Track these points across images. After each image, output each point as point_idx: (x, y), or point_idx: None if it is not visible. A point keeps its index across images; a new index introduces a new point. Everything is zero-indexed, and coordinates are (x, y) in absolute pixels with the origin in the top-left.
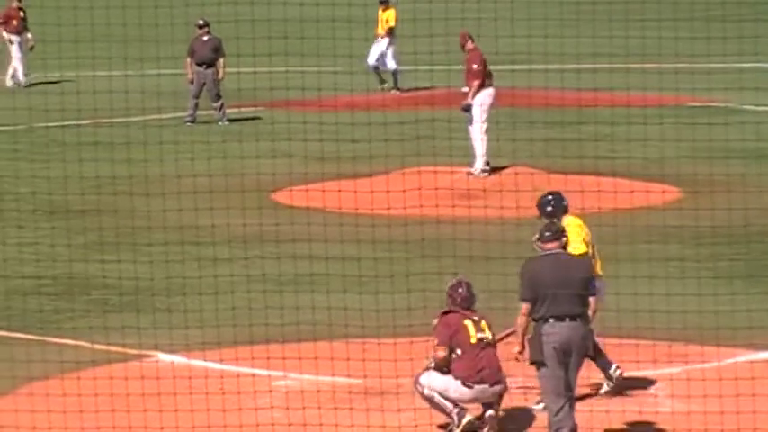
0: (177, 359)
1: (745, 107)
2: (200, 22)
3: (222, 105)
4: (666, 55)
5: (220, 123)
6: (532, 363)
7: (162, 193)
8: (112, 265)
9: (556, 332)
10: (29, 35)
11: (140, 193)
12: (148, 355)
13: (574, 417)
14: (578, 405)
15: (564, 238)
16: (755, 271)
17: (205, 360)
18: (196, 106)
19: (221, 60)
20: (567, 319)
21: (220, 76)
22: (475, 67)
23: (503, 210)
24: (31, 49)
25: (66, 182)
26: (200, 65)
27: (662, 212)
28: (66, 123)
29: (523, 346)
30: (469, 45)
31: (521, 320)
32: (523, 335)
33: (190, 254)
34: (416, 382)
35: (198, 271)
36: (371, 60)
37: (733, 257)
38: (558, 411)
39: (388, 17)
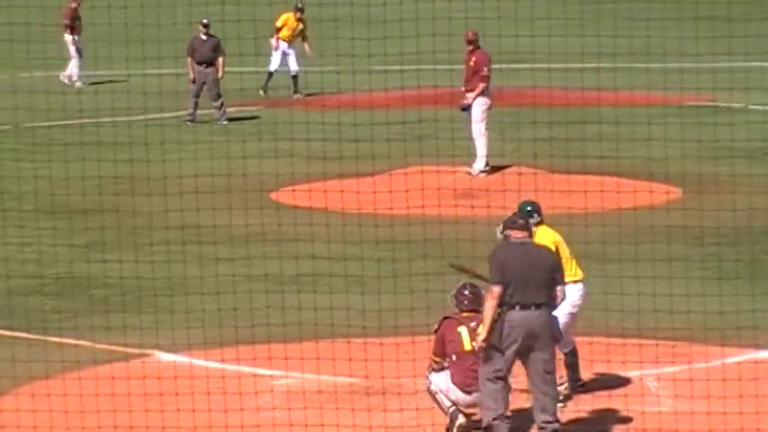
0: (177, 358)
1: (749, 107)
2: (205, 21)
3: (222, 104)
4: (670, 54)
5: (219, 122)
6: (491, 346)
7: (150, 193)
8: (113, 265)
9: (521, 320)
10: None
11: (140, 192)
12: (147, 355)
13: (507, 403)
14: (579, 404)
15: (531, 228)
16: (758, 271)
17: (206, 360)
18: (196, 105)
19: (221, 59)
20: (533, 307)
21: (219, 74)
22: (485, 69)
23: (502, 209)
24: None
25: (66, 182)
26: (200, 64)
27: (664, 212)
28: (68, 123)
29: (489, 334)
30: (475, 45)
31: (490, 304)
32: (492, 320)
33: (182, 253)
34: (426, 376)
35: (195, 271)
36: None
37: (735, 257)
38: (492, 396)
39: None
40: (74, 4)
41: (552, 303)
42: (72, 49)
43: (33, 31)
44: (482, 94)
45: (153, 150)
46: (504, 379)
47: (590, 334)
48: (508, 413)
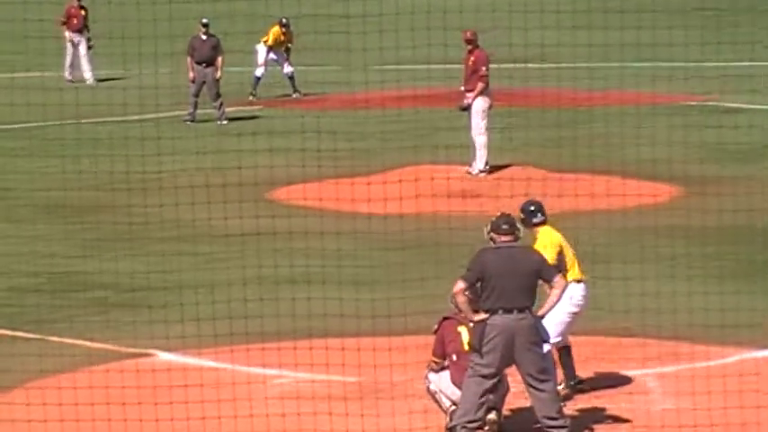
0: (175, 357)
1: (740, 105)
2: (204, 21)
3: (221, 104)
4: (661, 53)
5: (219, 122)
6: (471, 348)
7: (145, 188)
8: (109, 264)
9: (503, 324)
10: (88, 35)
11: (139, 190)
12: (146, 354)
13: (483, 412)
14: (577, 403)
15: (518, 232)
16: (749, 270)
17: (201, 357)
18: (196, 105)
19: (220, 59)
20: (516, 311)
21: (218, 74)
22: (483, 69)
23: (499, 208)
24: (90, 48)
25: (63, 180)
26: (199, 63)
27: (656, 212)
28: (64, 122)
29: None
30: (474, 45)
31: (460, 299)
32: (472, 311)
33: (187, 252)
34: (425, 376)
35: (195, 268)
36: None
37: (727, 256)
38: (469, 407)
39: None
40: (75, 2)
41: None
42: (75, 47)
43: (31, 29)
44: (482, 93)
45: (150, 149)
46: (499, 380)
47: (584, 333)
48: (492, 417)
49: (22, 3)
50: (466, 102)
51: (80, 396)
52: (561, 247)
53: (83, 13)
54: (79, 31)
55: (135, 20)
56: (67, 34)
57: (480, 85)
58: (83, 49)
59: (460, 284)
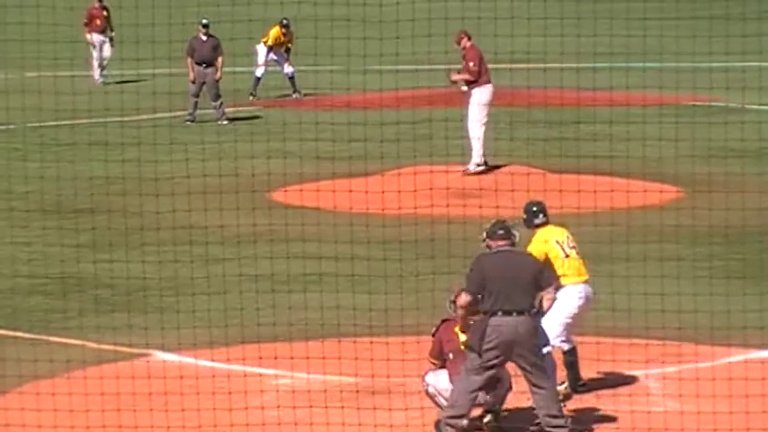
0: (174, 358)
1: (746, 106)
2: (204, 21)
3: (221, 104)
4: (667, 53)
5: (219, 122)
6: (468, 347)
7: (156, 194)
8: (117, 265)
9: (502, 326)
10: (111, 35)
11: (137, 192)
12: (146, 355)
13: (469, 414)
14: (579, 404)
15: (513, 237)
16: (752, 271)
17: (211, 360)
18: (196, 105)
19: (220, 59)
20: (515, 313)
21: (218, 75)
22: (471, 65)
23: (498, 209)
24: (112, 46)
25: (72, 181)
26: (199, 64)
27: (660, 212)
28: (74, 122)
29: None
30: (465, 43)
31: (461, 313)
32: (471, 321)
33: (188, 253)
34: (423, 379)
35: (198, 270)
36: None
37: (730, 257)
38: (458, 401)
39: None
40: (97, 3)
41: (539, 307)
42: (90, 48)
43: (44, 31)
44: (479, 88)
45: (154, 150)
46: (499, 380)
47: (586, 333)
48: (488, 419)
49: (35, 6)
50: (453, 77)
51: (74, 399)
52: (547, 254)
53: (105, 13)
54: (102, 32)
55: (131, 24)
56: (89, 36)
57: (466, 75)
58: (105, 50)
59: (467, 298)
